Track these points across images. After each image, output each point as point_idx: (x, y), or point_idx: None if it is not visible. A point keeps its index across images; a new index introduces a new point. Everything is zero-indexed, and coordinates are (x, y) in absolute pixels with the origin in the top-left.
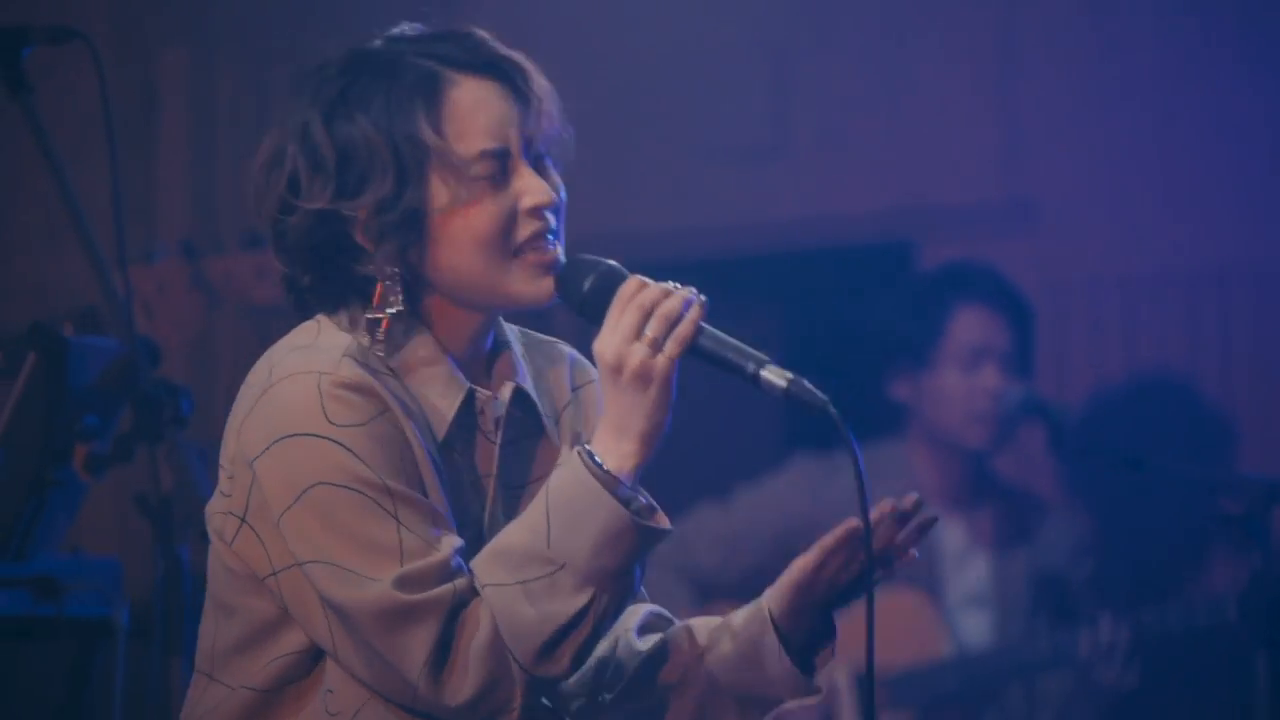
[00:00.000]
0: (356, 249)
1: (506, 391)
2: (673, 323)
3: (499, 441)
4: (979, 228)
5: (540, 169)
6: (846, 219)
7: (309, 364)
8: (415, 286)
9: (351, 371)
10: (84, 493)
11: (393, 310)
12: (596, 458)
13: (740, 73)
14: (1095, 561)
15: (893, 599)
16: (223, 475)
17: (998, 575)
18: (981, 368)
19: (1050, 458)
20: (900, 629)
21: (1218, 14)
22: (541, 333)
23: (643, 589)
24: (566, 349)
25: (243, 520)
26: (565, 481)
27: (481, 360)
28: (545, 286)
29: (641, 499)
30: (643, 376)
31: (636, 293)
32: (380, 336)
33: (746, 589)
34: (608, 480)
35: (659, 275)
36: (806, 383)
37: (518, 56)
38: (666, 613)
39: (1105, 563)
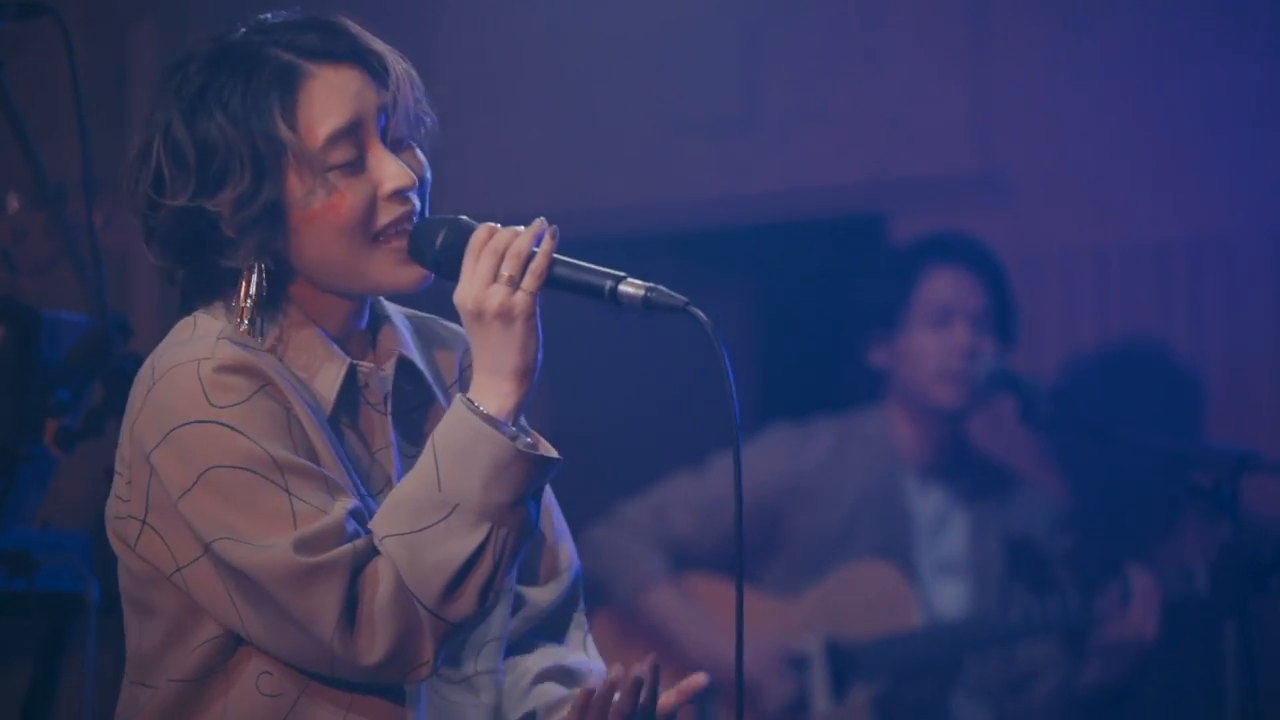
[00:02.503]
0: (223, 242)
1: (390, 364)
2: (526, 259)
3: (389, 412)
4: (951, 200)
5: (401, 153)
6: (818, 192)
7: (188, 354)
8: (283, 274)
9: (229, 352)
10: (55, 467)
11: (252, 299)
12: (476, 403)
13: (711, 46)
14: (1072, 534)
15: (864, 569)
16: (119, 481)
17: (972, 544)
18: (951, 325)
19: (1023, 429)
20: (871, 599)
21: None
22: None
23: (585, 619)
24: (454, 326)
25: (143, 522)
26: (449, 427)
27: (360, 336)
28: (409, 274)
29: (525, 435)
30: (504, 315)
31: (488, 239)
32: (246, 325)
33: (722, 556)
34: (490, 419)
35: (634, 251)
36: (664, 288)
37: (377, 44)
38: (580, 668)
39: (1077, 533)
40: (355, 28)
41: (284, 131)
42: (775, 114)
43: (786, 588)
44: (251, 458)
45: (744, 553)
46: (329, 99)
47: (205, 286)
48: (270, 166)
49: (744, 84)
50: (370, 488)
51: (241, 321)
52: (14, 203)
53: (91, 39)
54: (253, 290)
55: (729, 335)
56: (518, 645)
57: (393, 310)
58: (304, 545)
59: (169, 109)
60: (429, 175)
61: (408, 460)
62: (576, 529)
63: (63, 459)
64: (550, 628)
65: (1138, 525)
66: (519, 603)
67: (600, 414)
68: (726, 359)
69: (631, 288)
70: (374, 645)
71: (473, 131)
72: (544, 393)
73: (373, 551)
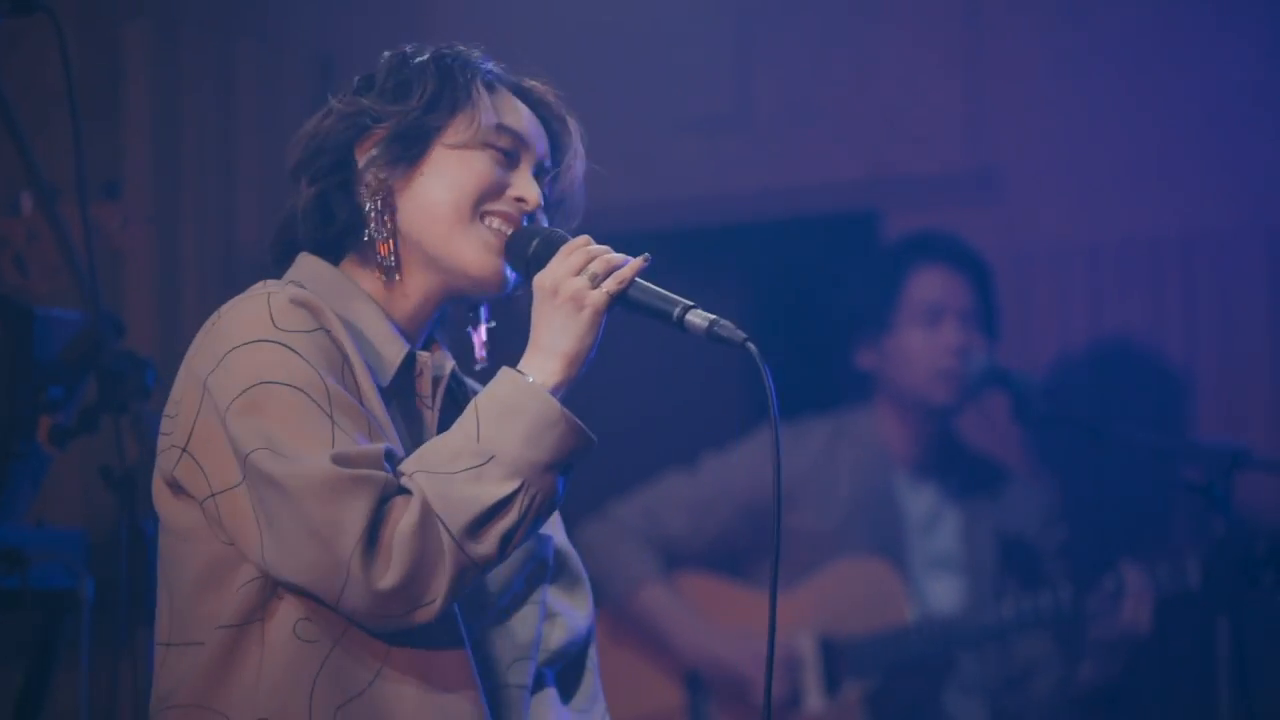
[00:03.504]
0: (351, 169)
1: (447, 365)
2: (614, 266)
3: (437, 408)
4: (943, 197)
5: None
6: (810, 189)
7: (258, 291)
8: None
9: (300, 292)
10: (48, 464)
11: (384, 235)
12: (524, 372)
13: (703, 43)
14: (1064, 528)
15: (855, 564)
16: (165, 424)
17: (965, 540)
18: (941, 324)
19: (1015, 426)
20: (864, 595)
21: None
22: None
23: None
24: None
25: (184, 450)
26: (494, 387)
27: (418, 342)
28: (494, 265)
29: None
30: (576, 300)
31: (585, 243)
32: (381, 259)
33: (714, 556)
34: (537, 385)
35: (624, 248)
36: (726, 321)
37: (570, 116)
38: None
39: (1069, 529)
40: (553, 94)
41: (477, 90)
42: (767, 111)
43: (779, 586)
44: (306, 380)
45: (777, 575)
46: (520, 111)
47: (319, 220)
48: (446, 103)
49: (736, 81)
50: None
51: (386, 256)
52: (28, 205)
53: (85, 36)
54: (380, 227)
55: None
56: (540, 684)
57: (445, 347)
58: (341, 459)
59: (385, 65)
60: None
61: None
62: (569, 530)
63: (56, 456)
64: (571, 672)
65: (1130, 521)
66: (550, 614)
67: (593, 414)
68: (774, 396)
69: (698, 318)
70: (389, 569)
71: None
72: None
73: (401, 489)
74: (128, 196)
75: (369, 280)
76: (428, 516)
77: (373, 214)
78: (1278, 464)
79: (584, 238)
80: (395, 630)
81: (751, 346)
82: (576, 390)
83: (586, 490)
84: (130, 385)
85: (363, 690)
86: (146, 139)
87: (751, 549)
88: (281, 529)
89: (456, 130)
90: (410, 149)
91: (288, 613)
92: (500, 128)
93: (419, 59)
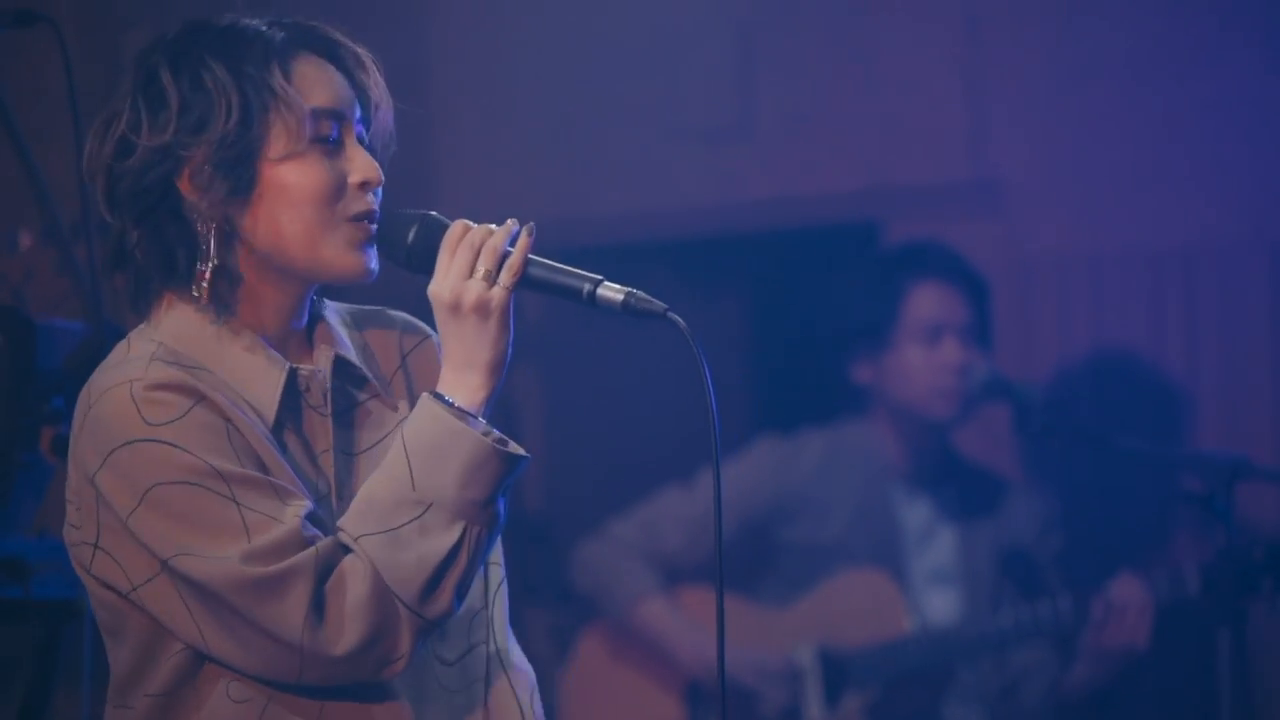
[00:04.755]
0: (180, 199)
1: (326, 362)
2: (503, 256)
3: (330, 414)
4: (945, 208)
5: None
6: (813, 200)
7: (121, 376)
8: (229, 260)
9: (160, 372)
10: (51, 475)
11: (214, 264)
12: (447, 397)
13: (705, 53)
14: (1061, 536)
15: (854, 576)
16: (70, 510)
17: (963, 551)
18: (941, 342)
19: (1013, 436)
20: (862, 607)
21: None
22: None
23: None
24: (397, 314)
25: (95, 546)
26: (420, 424)
27: (298, 336)
28: (361, 260)
29: (495, 431)
30: (480, 309)
31: (463, 234)
32: (204, 289)
33: (712, 570)
34: (462, 415)
35: (625, 259)
36: (642, 293)
37: (363, 51)
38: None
39: (1070, 540)
40: (341, 35)
41: (278, 80)
42: (769, 121)
43: (778, 600)
44: (193, 470)
45: (723, 558)
46: (322, 79)
47: (157, 258)
48: (257, 114)
49: (738, 91)
50: (315, 493)
51: (201, 290)
52: (26, 240)
53: (87, 47)
54: (209, 256)
55: (722, 344)
56: None
57: (329, 308)
58: (256, 557)
59: (151, 62)
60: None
61: (347, 459)
62: (567, 548)
63: (58, 466)
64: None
65: (1131, 532)
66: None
67: (589, 431)
68: (705, 365)
69: (610, 291)
70: (344, 635)
71: (467, 139)
72: (536, 412)
73: (339, 552)
74: None
75: (247, 277)
76: (379, 587)
77: (210, 246)
78: (1279, 475)
79: (459, 225)
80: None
81: (674, 316)
82: (570, 408)
83: (585, 508)
84: None
85: None
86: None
87: (750, 563)
88: (222, 627)
89: (277, 142)
90: (239, 178)
91: (217, 676)
92: (315, 114)
93: (201, 70)
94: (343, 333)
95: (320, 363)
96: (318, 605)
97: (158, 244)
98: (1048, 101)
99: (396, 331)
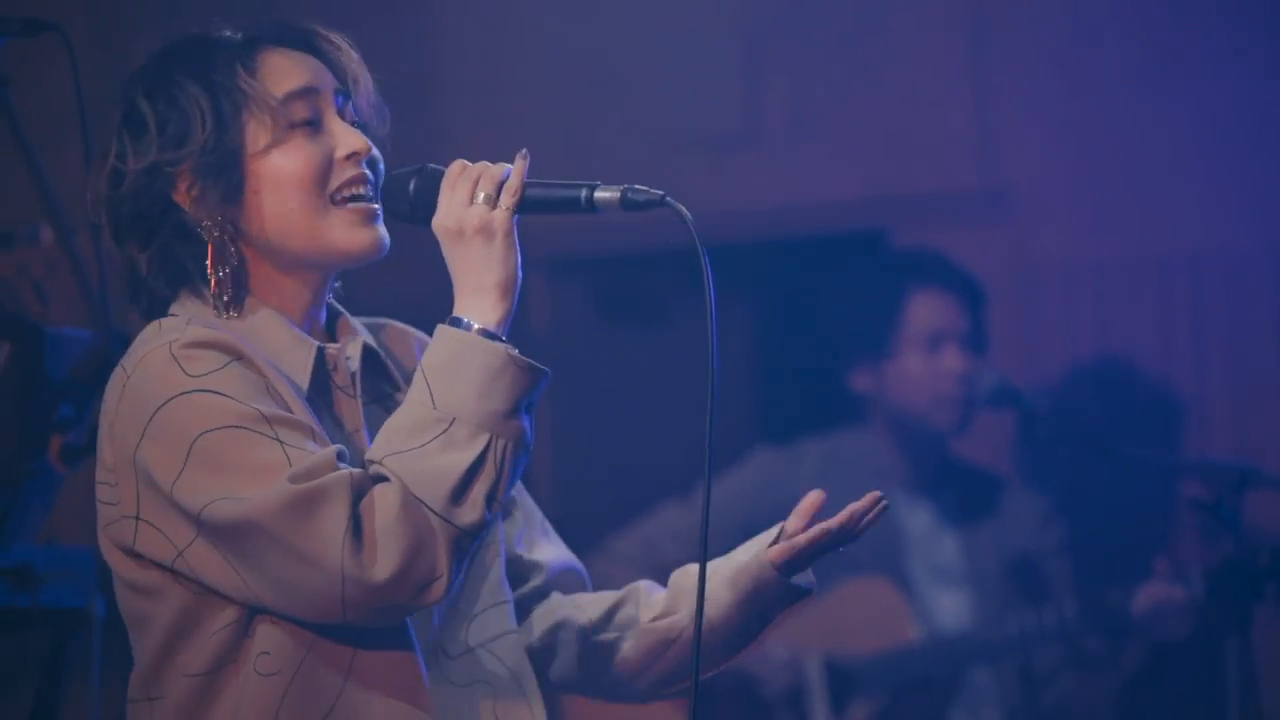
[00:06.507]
0: (181, 213)
1: (356, 347)
2: (500, 180)
3: (359, 395)
4: (953, 216)
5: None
6: (820, 208)
7: (158, 342)
8: (242, 252)
9: (199, 331)
10: (59, 483)
11: (225, 270)
12: (462, 319)
13: (712, 61)
14: (1061, 529)
15: (858, 585)
16: (104, 490)
17: (965, 556)
18: (942, 350)
19: (1016, 441)
20: (867, 615)
21: (1194, 1)
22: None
23: (582, 571)
24: (407, 326)
25: (137, 518)
26: (435, 347)
27: (320, 329)
28: (366, 236)
29: (513, 348)
30: (484, 231)
31: (461, 170)
32: (220, 296)
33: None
34: (479, 332)
35: (631, 266)
36: (638, 185)
37: (333, 35)
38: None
39: (1076, 547)
40: (310, 23)
41: (244, 81)
42: (776, 129)
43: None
44: (239, 415)
45: (711, 488)
46: (288, 65)
47: (170, 274)
48: (231, 116)
49: (745, 99)
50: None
51: (212, 295)
52: (47, 235)
53: (96, 55)
54: (221, 262)
55: (728, 351)
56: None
57: (347, 314)
58: (300, 476)
59: (130, 94)
60: (383, 165)
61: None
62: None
63: (67, 474)
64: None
65: (1138, 539)
66: (516, 569)
67: (588, 447)
68: (706, 257)
69: (606, 192)
70: (388, 561)
71: (474, 145)
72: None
73: (369, 481)
74: None
75: (263, 271)
76: (408, 499)
77: (219, 248)
78: None
79: (457, 164)
80: (408, 615)
81: (673, 201)
82: (573, 423)
83: (585, 523)
84: None
85: (328, 713)
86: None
87: None
88: (265, 566)
89: (256, 137)
90: (229, 180)
91: (251, 652)
92: (288, 99)
93: (172, 88)
94: (364, 330)
95: (348, 349)
96: (355, 528)
97: (168, 262)
98: (1055, 109)
99: (412, 338)
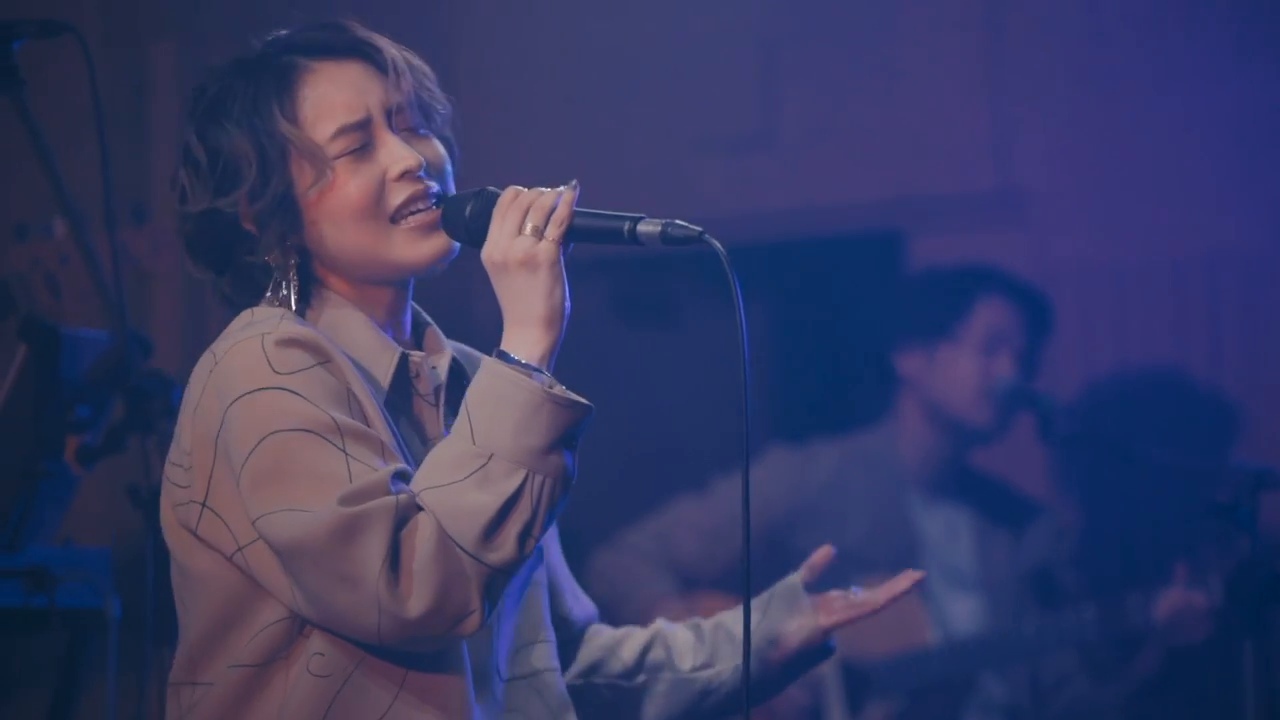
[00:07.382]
0: (250, 239)
1: (443, 360)
2: (549, 211)
3: (441, 404)
4: (969, 218)
5: (415, 142)
6: (836, 210)
7: (252, 332)
8: (315, 269)
9: (292, 327)
10: (76, 484)
11: (294, 291)
12: (507, 354)
13: (729, 63)
14: (1074, 535)
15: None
16: (177, 472)
17: (981, 557)
18: (998, 354)
19: (1036, 446)
20: (884, 617)
21: (1207, 3)
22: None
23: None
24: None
25: (203, 505)
26: (479, 382)
27: (405, 335)
28: (430, 247)
29: (558, 384)
30: (529, 263)
31: (514, 199)
32: (298, 311)
33: (729, 580)
34: (521, 367)
35: (648, 269)
36: (679, 221)
37: (380, 39)
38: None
39: (1093, 550)
40: (359, 27)
41: (284, 126)
42: (792, 131)
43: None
44: (313, 420)
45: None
46: (330, 93)
47: (250, 291)
48: (275, 160)
49: (761, 101)
50: None
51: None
52: (60, 228)
53: (112, 57)
54: (293, 285)
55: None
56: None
57: (437, 328)
58: (350, 498)
59: (187, 129)
60: (449, 164)
61: None
62: (583, 558)
63: (83, 476)
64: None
65: (1156, 542)
66: (565, 631)
67: (603, 440)
68: (739, 290)
69: (649, 225)
70: (422, 596)
71: (490, 149)
72: None
73: (415, 508)
74: (155, 216)
75: (340, 284)
76: (442, 537)
77: (285, 273)
78: None
79: (510, 190)
80: (443, 645)
81: (711, 240)
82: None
83: (598, 518)
84: (157, 405)
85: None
86: (173, 158)
87: (768, 573)
88: (309, 583)
89: (304, 176)
90: (285, 216)
91: (306, 650)
92: (334, 137)
93: (219, 133)
94: (452, 347)
95: (434, 360)
96: (393, 560)
97: (245, 282)
98: (1070, 112)
99: None
